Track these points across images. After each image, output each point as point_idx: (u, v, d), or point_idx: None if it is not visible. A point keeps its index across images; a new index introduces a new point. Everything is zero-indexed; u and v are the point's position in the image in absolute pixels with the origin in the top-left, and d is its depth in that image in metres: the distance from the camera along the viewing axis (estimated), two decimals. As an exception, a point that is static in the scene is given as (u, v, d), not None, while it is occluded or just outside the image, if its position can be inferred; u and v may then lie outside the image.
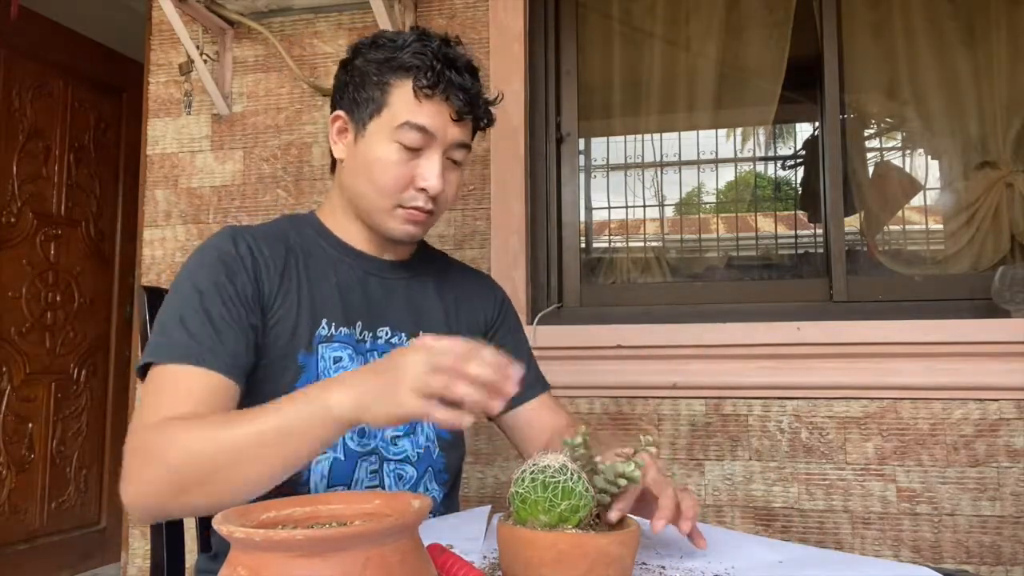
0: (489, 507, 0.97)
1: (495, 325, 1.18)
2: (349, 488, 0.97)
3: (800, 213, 2.31)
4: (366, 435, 0.99)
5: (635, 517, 0.75)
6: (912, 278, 1.88)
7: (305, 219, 1.09)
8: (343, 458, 0.97)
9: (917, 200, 2.11)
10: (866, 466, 1.71)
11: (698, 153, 2.34)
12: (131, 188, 3.10)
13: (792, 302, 1.88)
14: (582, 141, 2.14)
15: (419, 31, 1.02)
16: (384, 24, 1.84)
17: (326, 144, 2.03)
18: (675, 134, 2.31)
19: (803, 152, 2.32)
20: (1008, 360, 1.64)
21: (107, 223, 3.17)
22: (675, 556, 0.79)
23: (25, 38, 2.78)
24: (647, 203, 2.35)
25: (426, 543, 0.55)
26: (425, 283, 1.12)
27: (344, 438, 0.97)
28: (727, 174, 2.40)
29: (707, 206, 2.43)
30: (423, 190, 0.98)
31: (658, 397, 1.82)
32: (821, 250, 1.99)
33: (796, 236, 2.32)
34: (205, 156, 2.12)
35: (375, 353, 1.02)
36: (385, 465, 1.00)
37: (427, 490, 1.05)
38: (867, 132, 2.17)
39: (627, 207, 2.34)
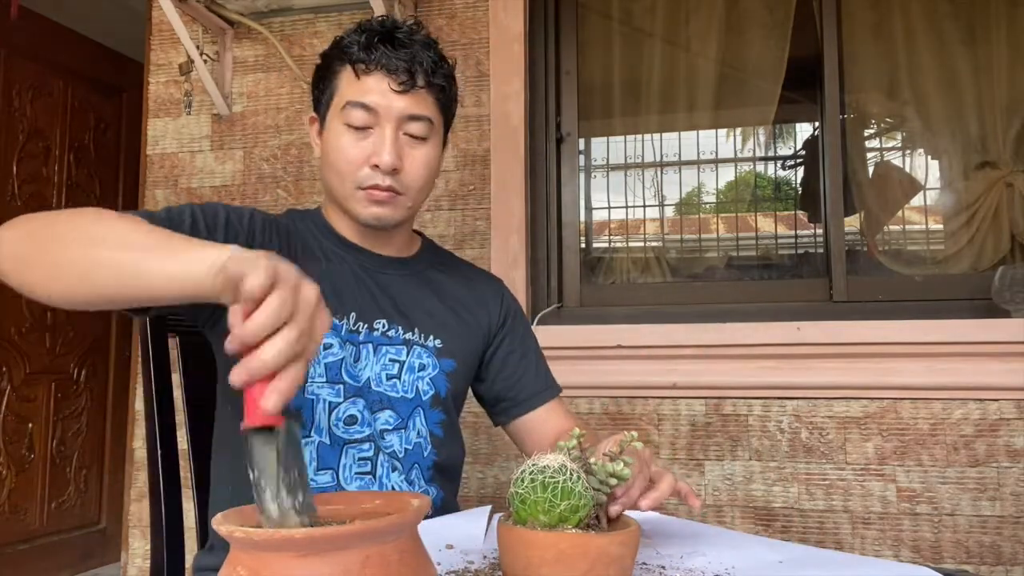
0: (489, 507, 0.97)
1: (502, 329, 1.17)
2: (336, 473, 0.98)
3: (800, 213, 2.31)
4: (358, 422, 0.99)
5: (635, 516, 0.75)
6: (912, 278, 1.88)
7: (309, 214, 1.11)
8: (328, 443, 0.98)
9: (917, 200, 2.11)
10: (866, 466, 1.71)
11: (698, 153, 2.34)
12: (131, 188, 3.09)
13: (792, 302, 1.88)
14: (582, 141, 2.14)
15: (362, 21, 1.03)
16: (384, 24, 1.84)
17: (326, 144, 2.04)
18: (675, 134, 2.31)
19: (803, 152, 2.32)
20: (1008, 360, 1.64)
21: (107, 223, 3.17)
22: (675, 556, 0.79)
23: (25, 38, 2.78)
24: (647, 203, 2.35)
25: (427, 543, 0.55)
26: (428, 281, 1.12)
27: (330, 424, 0.98)
28: (727, 174, 2.40)
29: (707, 206, 2.43)
30: (377, 167, 0.98)
31: (658, 397, 1.82)
32: (821, 250, 1.99)
33: (796, 236, 2.32)
34: (205, 156, 2.12)
35: (369, 345, 1.02)
36: (380, 455, 1.01)
37: (418, 486, 1.05)
38: (867, 132, 2.17)
39: (627, 207, 2.34)
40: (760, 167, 2.44)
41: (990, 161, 1.95)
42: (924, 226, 2.12)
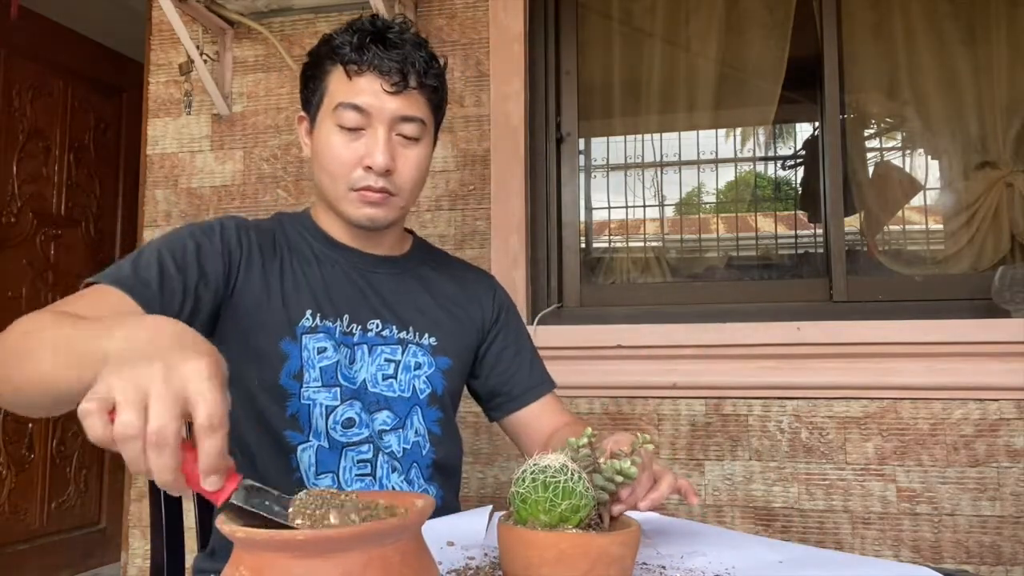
0: (490, 507, 0.97)
1: (494, 326, 1.17)
2: (337, 476, 0.98)
3: (800, 213, 2.31)
4: (355, 425, 1.00)
5: (636, 516, 0.75)
6: (912, 278, 1.88)
7: (297, 216, 1.11)
8: (327, 447, 0.98)
9: (917, 200, 2.11)
10: (866, 466, 1.71)
11: (698, 153, 2.34)
12: (131, 188, 3.09)
13: (792, 302, 1.88)
14: (582, 141, 2.14)
15: (353, 20, 1.02)
16: (384, 24, 1.84)
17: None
18: (675, 134, 2.31)
19: (803, 152, 2.32)
20: (1008, 360, 1.64)
21: (107, 223, 3.17)
22: (675, 556, 0.79)
23: (25, 38, 2.78)
24: (647, 203, 2.35)
25: (428, 543, 0.55)
26: (419, 279, 1.12)
27: (328, 428, 0.99)
28: (727, 174, 2.40)
29: (707, 206, 2.43)
30: (369, 168, 0.97)
31: (658, 397, 1.82)
32: (821, 250, 1.99)
33: (796, 236, 2.32)
34: (205, 156, 2.12)
35: (364, 346, 1.03)
36: (379, 456, 1.01)
37: (417, 486, 1.05)
38: (867, 132, 2.17)
39: (627, 207, 2.34)
40: (760, 167, 2.44)
41: (990, 161, 1.95)
42: (924, 226, 2.12)
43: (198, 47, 2.01)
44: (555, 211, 2.02)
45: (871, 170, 2.09)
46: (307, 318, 1.00)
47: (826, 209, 1.92)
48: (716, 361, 1.77)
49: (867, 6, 2.03)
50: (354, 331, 1.03)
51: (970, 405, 1.68)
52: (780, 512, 1.75)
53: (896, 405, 1.71)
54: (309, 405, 0.98)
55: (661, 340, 1.79)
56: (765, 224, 2.51)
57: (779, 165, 2.42)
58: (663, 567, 0.75)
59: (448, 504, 1.10)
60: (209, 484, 0.52)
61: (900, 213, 2.11)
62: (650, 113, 2.18)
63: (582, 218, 2.13)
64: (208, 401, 0.51)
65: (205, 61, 2.03)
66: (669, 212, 2.39)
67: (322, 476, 0.98)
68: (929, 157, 2.11)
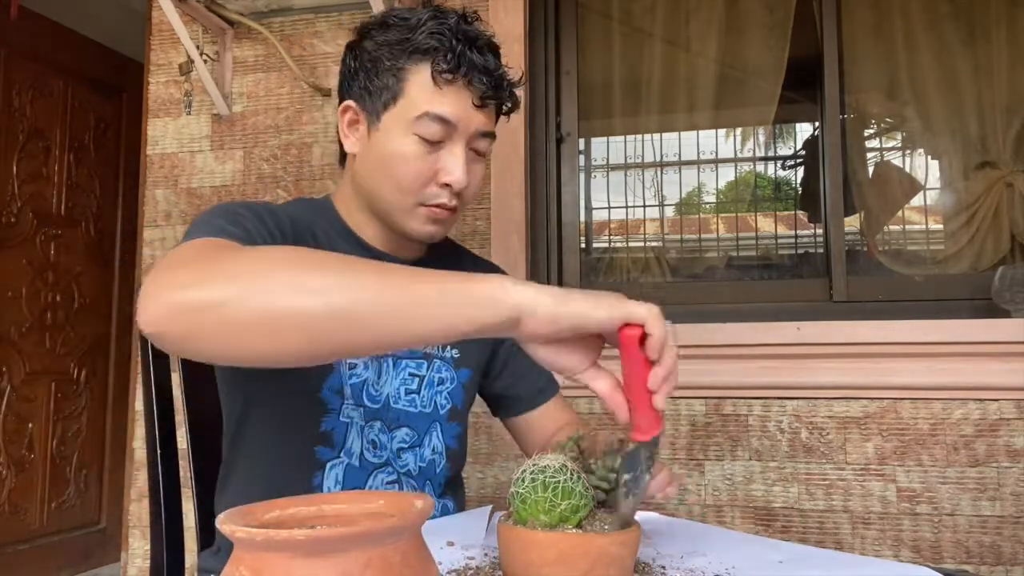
0: (490, 507, 0.97)
1: None
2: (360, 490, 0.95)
3: (800, 213, 2.31)
4: (378, 447, 0.97)
5: (641, 516, 0.75)
6: (912, 278, 1.88)
7: (320, 207, 1.01)
8: (357, 466, 0.95)
9: (917, 200, 2.11)
10: (866, 466, 1.71)
11: (698, 153, 2.34)
12: (131, 188, 3.09)
13: (792, 302, 1.88)
14: (582, 141, 2.14)
15: (433, 7, 0.92)
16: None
17: (326, 144, 2.04)
18: (675, 134, 2.31)
19: (803, 152, 2.32)
20: (1008, 360, 1.64)
21: (107, 223, 3.17)
22: (675, 556, 0.79)
23: (25, 38, 2.78)
24: (647, 203, 2.35)
25: (428, 543, 0.55)
26: None
27: (362, 448, 0.94)
28: (727, 174, 2.40)
29: (707, 206, 2.43)
30: (447, 185, 0.91)
31: (658, 397, 1.81)
32: (821, 250, 1.99)
33: (796, 236, 2.32)
34: (205, 156, 2.12)
35: (390, 359, 0.98)
36: (401, 479, 0.98)
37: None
38: (867, 132, 2.17)
39: (627, 207, 2.34)
40: (760, 167, 2.44)
41: (990, 161, 1.95)
42: (924, 226, 2.12)
43: (198, 47, 2.01)
44: (555, 211, 2.02)
45: (871, 170, 2.09)
46: None
47: (826, 209, 1.92)
48: (716, 361, 1.77)
49: (867, 6, 2.03)
50: None
51: (970, 405, 1.68)
52: (780, 512, 1.75)
53: (896, 405, 1.71)
54: (348, 423, 0.94)
55: (661, 340, 1.79)
56: (765, 224, 2.51)
57: (779, 165, 2.42)
58: (663, 567, 0.75)
59: (460, 511, 1.09)
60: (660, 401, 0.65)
61: (900, 213, 2.11)
62: (650, 113, 2.18)
63: (582, 218, 2.13)
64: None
65: (205, 61, 2.03)
66: (669, 212, 2.39)
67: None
68: (929, 157, 2.11)
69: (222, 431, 1.06)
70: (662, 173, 2.34)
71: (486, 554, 0.77)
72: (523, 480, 0.67)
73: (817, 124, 2.06)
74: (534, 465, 0.68)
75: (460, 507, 1.11)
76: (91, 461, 3.07)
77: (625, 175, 2.34)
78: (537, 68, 2.03)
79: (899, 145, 2.19)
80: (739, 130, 2.43)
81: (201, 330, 0.61)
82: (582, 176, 2.14)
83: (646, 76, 2.16)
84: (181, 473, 1.09)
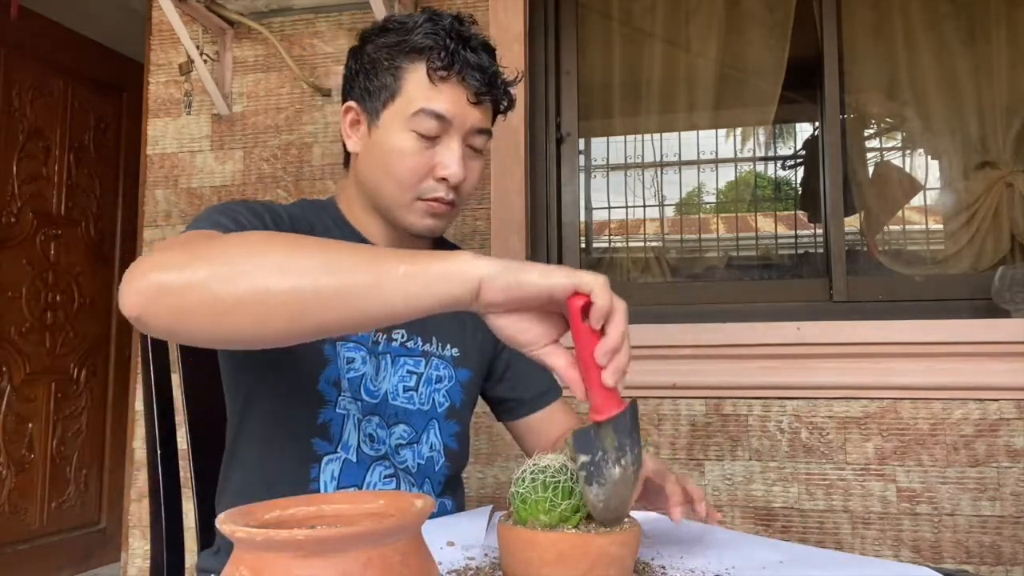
0: (490, 507, 0.97)
1: None
2: (360, 490, 0.95)
3: (800, 213, 2.31)
4: (376, 441, 0.97)
5: (637, 515, 0.75)
6: (912, 278, 1.88)
7: (324, 207, 1.04)
8: (355, 460, 0.95)
9: (917, 200, 2.11)
10: (866, 466, 1.71)
11: (698, 153, 2.34)
12: (131, 188, 3.09)
13: (792, 302, 1.88)
14: (582, 141, 2.14)
15: (429, 11, 0.96)
16: (384, 24, 1.84)
17: (326, 144, 2.04)
18: (675, 134, 2.31)
19: (803, 152, 2.32)
20: (1008, 360, 1.64)
21: (107, 223, 3.17)
22: (675, 556, 0.79)
23: (25, 38, 2.78)
24: (647, 203, 2.35)
25: (428, 543, 0.55)
26: None
27: (359, 441, 0.95)
28: (727, 174, 2.40)
29: (707, 206, 2.43)
30: (443, 180, 0.93)
31: (658, 397, 1.82)
32: (821, 250, 1.99)
33: (796, 236, 2.32)
34: (205, 156, 2.12)
35: (388, 356, 0.99)
36: (398, 472, 0.99)
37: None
38: (867, 132, 2.17)
39: (627, 207, 2.34)
40: (760, 167, 2.44)
41: (990, 161, 1.95)
42: (924, 226, 2.12)
43: (198, 47, 2.01)
44: (555, 211, 2.02)
45: (871, 170, 2.09)
46: None
47: (826, 209, 1.92)
48: (716, 361, 1.77)
49: (867, 6, 2.03)
50: (380, 340, 0.99)
51: (970, 405, 1.68)
52: (780, 512, 1.75)
53: (896, 405, 1.71)
54: (344, 415, 0.95)
55: (661, 340, 1.79)
56: (765, 224, 2.51)
57: (779, 165, 2.42)
58: (663, 567, 0.75)
59: (460, 511, 1.09)
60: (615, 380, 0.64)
61: (900, 213, 2.11)
62: (650, 113, 2.18)
63: (582, 218, 2.13)
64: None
65: (205, 61, 2.03)
66: (669, 212, 2.39)
67: (345, 490, 0.95)
68: (929, 157, 2.11)
69: (222, 431, 1.06)
70: (662, 173, 2.34)
71: (486, 554, 0.77)
72: (523, 480, 0.67)
73: (817, 124, 2.06)
74: (534, 465, 0.68)
75: (459, 506, 1.11)
76: (91, 461, 3.07)
77: (625, 175, 2.34)
78: (537, 68, 2.03)
79: (899, 145, 2.19)
80: (739, 130, 2.44)
81: (183, 311, 0.63)
82: (582, 176, 2.14)
83: (646, 76, 2.16)
84: (181, 473, 1.09)
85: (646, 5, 2.17)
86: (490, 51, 0.96)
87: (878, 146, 2.22)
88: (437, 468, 1.03)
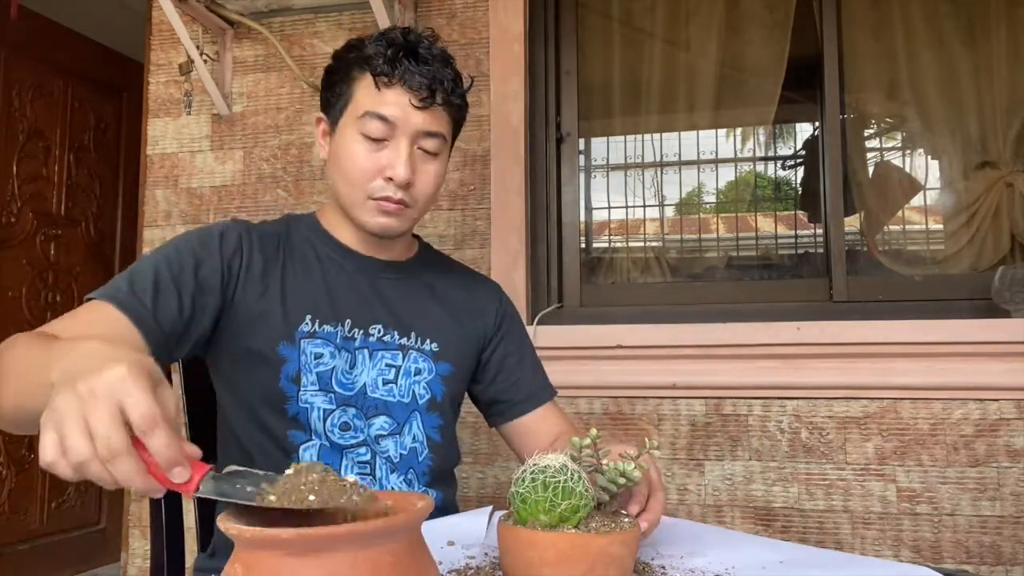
0: (490, 507, 0.97)
1: (498, 332, 1.17)
2: (340, 475, 0.98)
3: (800, 213, 2.31)
4: (351, 429, 1.01)
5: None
6: (912, 278, 1.88)
7: (303, 219, 1.12)
8: (329, 446, 1.00)
9: (917, 200, 2.11)
10: (866, 466, 1.71)
11: (698, 153, 2.34)
12: (131, 188, 3.09)
13: (792, 302, 1.88)
14: (582, 141, 2.14)
15: (388, 28, 1.04)
16: (383, 24, 1.84)
17: (326, 144, 2.04)
18: (675, 134, 2.31)
19: (803, 152, 2.32)
20: (1008, 360, 1.64)
21: (107, 223, 3.17)
22: (675, 556, 0.79)
23: (25, 38, 2.78)
24: (647, 203, 2.35)
25: (428, 543, 0.55)
26: (424, 284, 1.12)
27: (325, 430, 1.00)
28: (727, 174, 2.40)
29: (707, 206, 2.43)
30: (390, 179, 0.98)
31: (658, 397, 1.82)
32: (821, 250, 1.99)
33: (796, 236, 2.32)
34: (205, 156, 2.12)
35: (365, 350, 1.03)
36: (377, 459, 1.02)
37: (417, 487, 1.05)
38: (867, 132, 2.17)
39: (627, 207, 2.34)
40: (760, 167, 2.44)
41: (990, 161, 1.95)
42: (924, 226, 2.12)
43: (198, 47, 2.01)
44: (555, 211, 2.02)
45: (871, 170, 2.09)
46: (306, 323, 1.00)
47: (826, 209, 1.92)
48: (716, 361, 1.77)
49: (867, 6, 2.03)
50: (355, 336, 1.03)
51: (970, 405, 1.68)
52: (780, 512, 1.75)
53: (896, 405, 1.71)
54: (307, 408, 0.99)
55: (661, 340, 1.79)
56: (765, 224, 2.51)
57: (779, 165, 2.42)
58: (663, 567, 0.75)
59: (448, 506, 1.10)
60: (175, 476, 0.53)
61: (900, 213, 2.11)
62: (650, 113, 2.18)
63: (582, 218, 2.13)
64: (136, 402, 0.52)
65: (205, 61, 2.03)
66: (669, 212, 2.39)
67: None
68: (929, 157, 2.11)
69: (218, 423, 1.09)
70: (662, 173, 2.34)
71: (486, 554, 0.77)
72: (523, 480, 0.67)
73: (817, 124, 2.06)
74: (534, 465, 0.68)
75: (451, 502, 1.12)
76: (91, 461, 3.07)
77: (625, 175, 2.34)
78: (537, 68, 2.03)
79: (899, 145, 2.19)
80: (739, 130, 2.43)
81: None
82: (582, 176, 2.14)
83: (646, 76, 2.16)
84: (181, 473, 1.09)
85: (646, 5, 2.17)
86: (442, 60, 1.01)
87: (878, 146, 2.22)
88: (420, 459, 1.06)
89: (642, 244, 2.30)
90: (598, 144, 2.34)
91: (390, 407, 1.04)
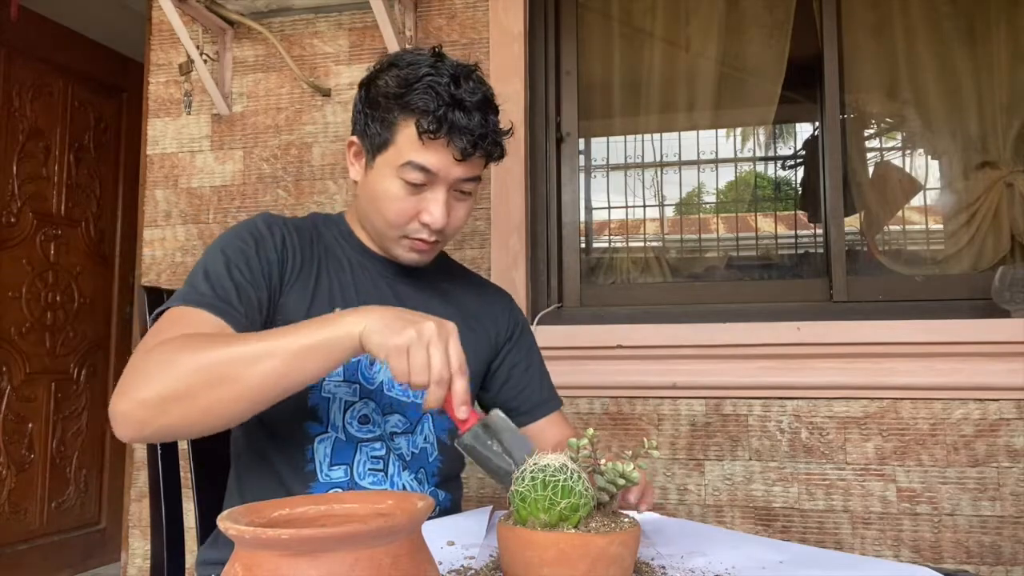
0: (490, 507, 0.98)
1: (509, 341, 1.19)
2: (351, 468, 1.00)
3: (800, 213, 2.31)
4: (370, 422, 1.02)
5: (636, 516, 0.75)
6: (912, 278, 1.88)
7: (333, 220, 1.14)
8: (344, 439, 1.01)
9: (917, 200, 2.11)
10: (866, 466, 1.71)
11: (698, 153, 2.34)
12: (131, 188, 3.10)
13: (792, 302, 1.88)
14: (582, 141, 2.14)
15: (435, 57, 1.01)
16: (383, 24, 1.84)
17: (326, 144, 2.04)
18: (675, 134, 2.31)
19: (803, 152, 2.32)
20: (1008, 360, 1.64)
21: (107, 223, 3.17)
22: (675, 556, 0.79)
23: (25, 38, 2.78)
24: (647, 203, 2.35)
25: (429, 543, 0.55)
26: (440, 291, 1.14)
27: (344, 422, 1.01)
28: (727, 174, 2.40)
29: (707, 206, 2.43)
30: (426, 224, 1.01)
31: (658, 397, 1.82)
32: (821, 250, 1.99)
33: (796, 236, 2.32)
34: (205, 156, 2.12)
35: None
36: (391, 455, 1.03)
37: (427, 486, 1.06)
38: (867, 132, 2.17)
39: (627, 207, 2.34)
40: (760, 167, 2.44)
41: (990, 161, 1.95)
42: (924, 226, 2.12)
43: (198, 47, 2.01)
44: (555, 211, 2.01)
45: (871, 170, 2.09)
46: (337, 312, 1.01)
47: (826, 209, 1.92)
48: (716, 361, 1.77)
49: (867, 6, 2.02)
50: None
51: (970, 405, 1.68)
52: (780, 512, 1.75)
53: (896, 405, 1.71)
54: (329, 399, 1.01)
55: (661, 340, 1.79)
56: (765, 224, 2.51)
57: (779, 165, 2.42)
58: (663, 567, 0.75)
59: (455, 507, 1.12)
60: (462, 413, 0.80)
61: (900, 213, 2.11)
62: (650, 113, 2.18)
63: (582, 218, 2.13)
64: (457, 350, 0.79)
65: (205, 61, 2.03)
66: (669, 212, 2.39)
67: (335, 467, 1.00)
68: (929, 157, 2.11)
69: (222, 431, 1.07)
70: (662, 173, 2.34)
71: (491, 555, 0.77)
72: (523, 479, 0.67)
73: (817, 124, 2.06)
74: (534, 465, 0.68)
75: (456, 504, 1.13)
76: (91, 461, 3.07)
77: (625, 175, 2.34)
78: (537, 68, 2.03)
79: (899, 145, 2.19)
80: (739, 130, 2.44)
81: (171, 429, 0.83)
82: (582, 176, 2.14)
83: (646, 76, 2.16)
84: (181, 473, 1.09)
85: (646, 5, 2.17)
86: (485, 108, 1.01)
87: (878, 146, 2.22)
88: (431, 459, 1.07)
89: (642, 244, 2.30)
90: (598, 144, 2.34)
91: (404, 407, 1.05)
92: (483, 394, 1.19)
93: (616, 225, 2.38)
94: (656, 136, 2.31)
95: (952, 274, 1.92)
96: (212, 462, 1.12)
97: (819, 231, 2.06)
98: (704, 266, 2.31)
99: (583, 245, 2.16)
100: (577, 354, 1.83)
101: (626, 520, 0.70)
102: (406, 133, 0.99)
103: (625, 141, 2.33)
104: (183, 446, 1.11)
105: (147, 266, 2.13)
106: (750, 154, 2.39)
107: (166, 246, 2.12)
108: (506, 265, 1.89)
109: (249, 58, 2.12)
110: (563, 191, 2.04)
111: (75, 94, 3.02)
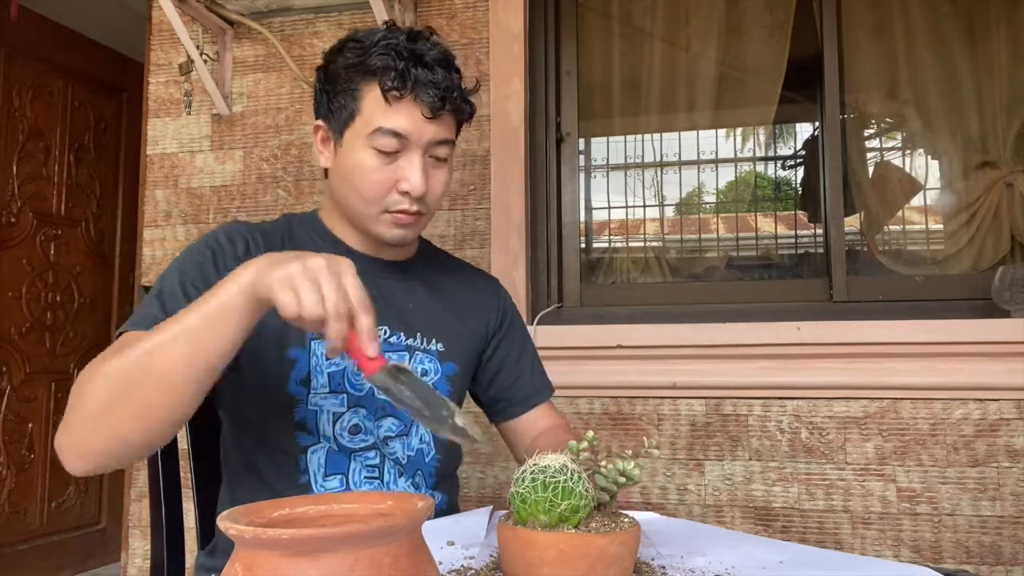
0: (490, 507, 0.98)
1: (499, 331, 1.17)
2: (346, 478, 0.99)
3: (800, 213, 2.31)
4: (362, 431, 1.00)
5: (636, 516, 0.75)
6: (912, 278, 1.88)
7: (306, 218, 1.10)
8: (336, 449, 0.99)
9: (917, 200, 2.11)
10: (866, 466, 1.71)
11: (698, 153, 2.34)
12: (131, 188, 3.09)
13: (792, 302, 1.88)
14: (582, 141, 2.14)
15: (388, 26, 1.00)
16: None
17: (326, 144, 2.04)
18: (675, 134, 2.31)
19: (803, 152, 2.32)
20: (1008, 360, 1.64)
21: (107, 223, 3.17)
22: (675, 556, 0.79)
23: (25, 38, 2.78)
24: (647, 203, 2.35)
25: (429, 543, 0.55)
26: (427, 284, 1.12)
27: (335, 433, 0.99)
28: (727, 174, 2.40)
29: (707, 206, 2.43)
30: (406, 193, 0.97)
31: (658, 397, 1.82)
32: (821, 250, 1.99)
33: (796, 236, 2.32)
34: (205, 156, 2.12)
35: None
36: (386, 462, 1.01)
37: (424, 490, 1.05)
38: (867, 132, 2.17)
39: (627, 207, 2.34)
40: (760, 167, 2.44)
41: (990, 161, 1.95)
42: (924, 226, 2.12)
43: (198, 47, 2.01)
44: (555, 211, 2.02)
45: (871, 170, 2.09)
46: None
47: (826, 209, 1.92)
48: (716, 361, 1.77)
49: (867, 6, 2.03)
50: None
51: (970, 405, 1.68)
52: (780, 512, 1.75)
53: (896, 405, 1.71)
54: (316, 411, 0.98)
55: (661, 340, 1.79)
56: (765, 224, 2.51)
57: (779, 165, 2.42)
58: (663, 567, 0.75)
59: (453, 508, 1.11)
60: (372, 350, 0.72)
61: (900, 213, 2.11)
62: (650, 113, 2.18)
63: (582, 218, 2.13)
64: (356, 284, 0.73)
65: (205, 61, 2.03)
66: (669, 212, 2.39)
67: (330, 478, 0.98)
68: (929, 157, 2.11)
69: (221, 431, 1.07)
70: (662, 173, 2.34)
71: (491, 556, 0.77)
72: (523, 480, 0.67)
73: (817, 124, 2.06)
74: (534, 465, 0.68)
75: (453, 504, 1.12)
76: (91, 461, 3.07)
77: (625, 175, 2.34)
78: (537, 68, 2.03)
79: (899, 145, 2.19)
80: (739, 130, 2.44)
81: (111, 445, 0.78)
82: (582, 176, 2.14)
83: (646, 76, 2.16)
84: (181, 473, 1.09)
85: (646, 5, 2.17)
86: (447, 64, 0.99)
87: (878, 146, 2.22)
88: (428, 460, 1.05)
89: (642, 244, 2.30)
90: (598, 144, 2.34)
91: (397, 409, 1.02)
92: (474, 385, 1.17)
93: (616, 225, 2.38)
94: (656, 136, 2.31)
95: (952, 274, 1.92)
96: (212, 462, 1.12)
97: (819, 231, 2.06)
98: (704, 266, 2.31)
99: (583, 245, 2.16)
100: (577, 354, 1.83)
101: (626, 520, 0.70)
102: (371, 97, 0.96)
103: (625, 141, 2.33)
104: (183, 446, 1.11)
105: (147, 266, 2.13)
106: (750, 154, 2.39)
107: (166, 246, 2.12)
108: (506, 265, 1.89)
109: (249, 58, 2.12)
110: (563, 191, 2.04)
111: (75, 94, 3.02)
